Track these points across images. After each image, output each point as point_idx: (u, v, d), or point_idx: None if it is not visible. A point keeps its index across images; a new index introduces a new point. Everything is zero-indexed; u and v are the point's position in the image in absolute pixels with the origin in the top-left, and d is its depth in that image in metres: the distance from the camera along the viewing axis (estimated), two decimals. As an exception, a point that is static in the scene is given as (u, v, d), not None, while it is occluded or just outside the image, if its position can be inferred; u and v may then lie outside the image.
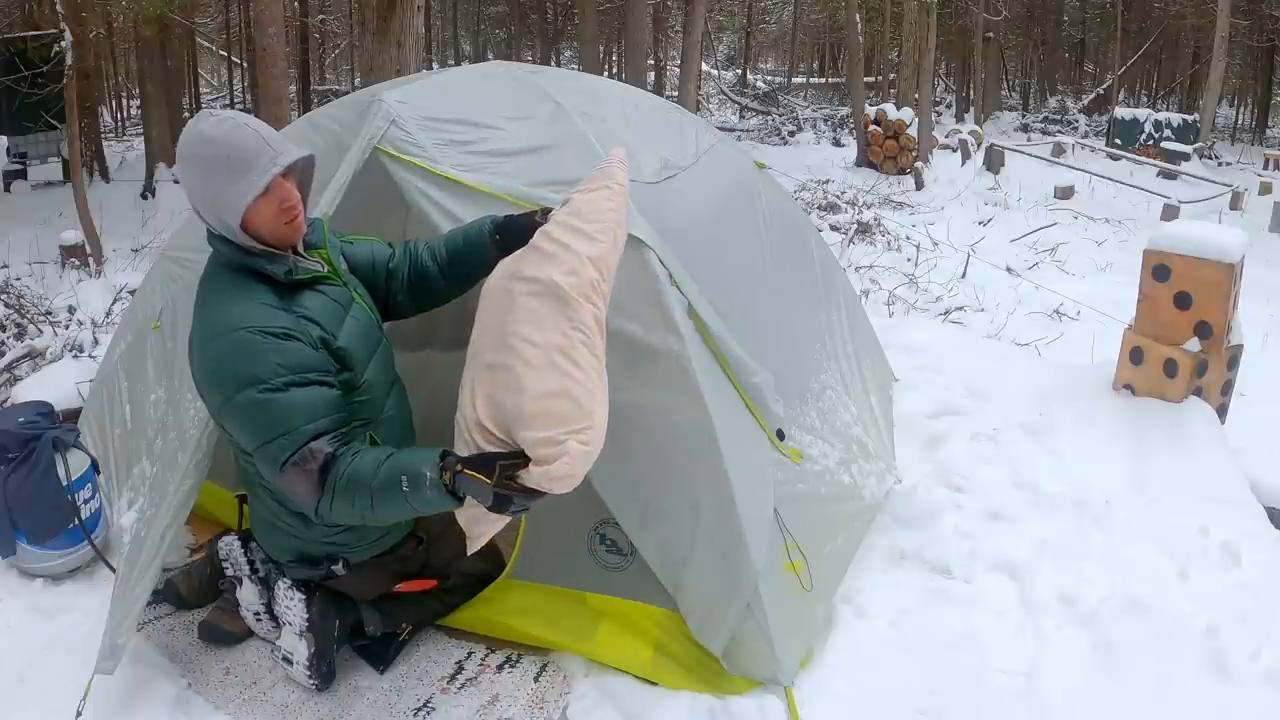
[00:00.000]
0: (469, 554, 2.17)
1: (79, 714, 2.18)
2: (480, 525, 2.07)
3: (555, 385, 1.88)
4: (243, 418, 2.00)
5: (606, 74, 21.98)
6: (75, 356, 4.28)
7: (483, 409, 1.95)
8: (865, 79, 16.72)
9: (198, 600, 2.69)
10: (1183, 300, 3.67)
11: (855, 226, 8.67)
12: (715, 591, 2.35)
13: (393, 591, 2.50)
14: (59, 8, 7.24)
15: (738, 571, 2.33)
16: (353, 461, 1.97)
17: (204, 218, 2.09)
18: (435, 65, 19.30)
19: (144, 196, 10.22)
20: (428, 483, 1.90)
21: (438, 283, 2.45)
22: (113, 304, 5.30)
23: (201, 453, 2.38)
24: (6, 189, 10.54)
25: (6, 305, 4.99)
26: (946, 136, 15.23)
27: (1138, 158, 14.86)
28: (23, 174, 10.70)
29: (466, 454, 1.95)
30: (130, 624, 2.28)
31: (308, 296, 2.15)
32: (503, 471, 1.86)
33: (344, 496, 1.96)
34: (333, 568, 2.36)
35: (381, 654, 2.52)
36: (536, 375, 1.89)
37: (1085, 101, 25.35)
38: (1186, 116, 18.48)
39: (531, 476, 1.85)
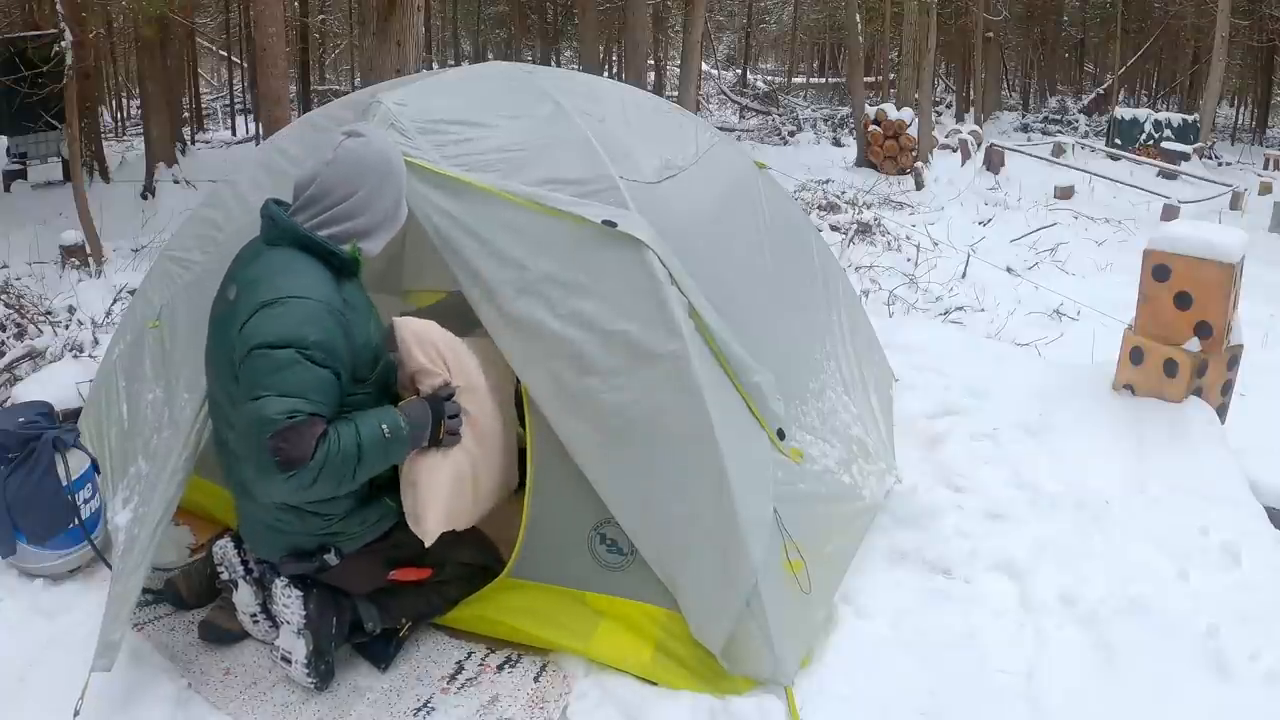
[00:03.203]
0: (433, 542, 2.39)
1: (76, 713, 2.17)
2: (414, 472, 2.34)
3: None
4: (274, 367, 2.09)
5: (606, 74, 21.97)
6: (75, 356, 4.27)
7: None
8: (865, 79, 16.72)
9: (198, 600, 2.69)
10: (1183, 300, 3.66)
11: (855, 226, 8.66)
12: (713, 591, 2.35)
13: (388, 584, 2.51)
14: (59, 8, 7.24)
15: (736, 571, 2.33)
16: (338, 434, 2.14)
17: (353, 227, 2.28)
18: (435, 65, 19.29)
19: (144, 196, 10.21)
20: (403, 422, 2.25)
21: None
22: (113, 304, 5.29)
23: (190, 448, 2.40)
24: (6, 189, 10.53)
25: (6, 305, 4.97)
26: (946, 136, 15.23)
27: (1138, 158, 14.86)
28: (23, 174, 10.69)
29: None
30: (124, 620, 2.27)
31: (349, 289, 2.30)
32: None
33: (333, 463, 2.10)
34: (325, 558, 2.37)
35: (382, 652, 2.52)
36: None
37: (1085, 101, 25.35)
38: (1186, 116, 18.48)
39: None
